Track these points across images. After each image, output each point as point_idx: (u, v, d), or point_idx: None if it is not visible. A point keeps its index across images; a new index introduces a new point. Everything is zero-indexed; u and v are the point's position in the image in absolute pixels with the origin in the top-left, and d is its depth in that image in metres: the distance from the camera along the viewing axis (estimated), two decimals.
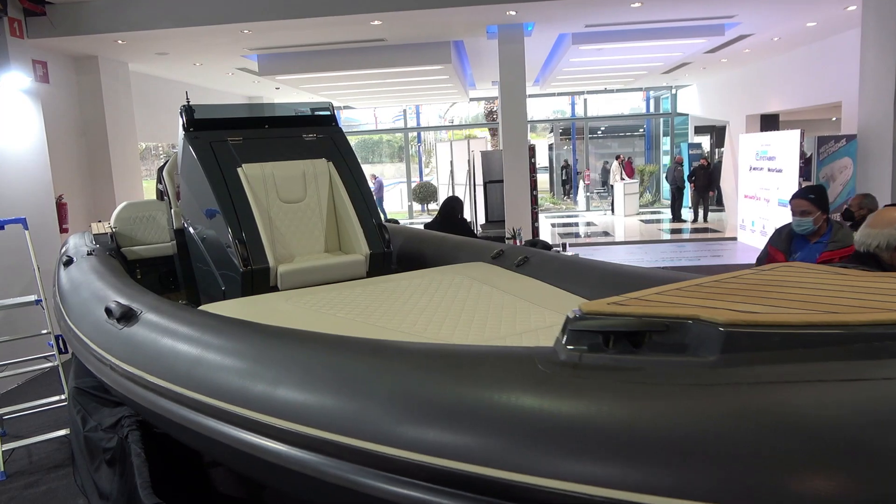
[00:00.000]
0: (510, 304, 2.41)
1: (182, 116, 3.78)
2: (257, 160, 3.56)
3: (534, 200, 9.60)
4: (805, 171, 10.37)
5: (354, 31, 8.38)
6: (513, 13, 7.76)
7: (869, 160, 6.85)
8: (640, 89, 19.72)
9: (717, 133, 18.08)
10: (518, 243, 7.47)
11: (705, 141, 20.24)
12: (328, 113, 4.08)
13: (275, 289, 3.18)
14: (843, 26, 9.52)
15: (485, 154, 12.50)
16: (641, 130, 23.77)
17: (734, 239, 12.78)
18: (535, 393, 1.20)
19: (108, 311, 2.45)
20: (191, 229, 3.74)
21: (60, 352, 4.84)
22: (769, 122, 14.22)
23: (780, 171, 10.19)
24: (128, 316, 2.37)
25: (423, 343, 1.61)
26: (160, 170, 6.70)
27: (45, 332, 4.87)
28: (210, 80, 11.98)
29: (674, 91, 19.26)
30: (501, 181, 11.71)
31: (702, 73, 14.58)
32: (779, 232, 3.54)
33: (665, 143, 21.38)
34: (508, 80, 8.64)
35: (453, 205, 6.38)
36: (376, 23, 7.86)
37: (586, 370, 1.21)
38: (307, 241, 3.58)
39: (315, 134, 3.89)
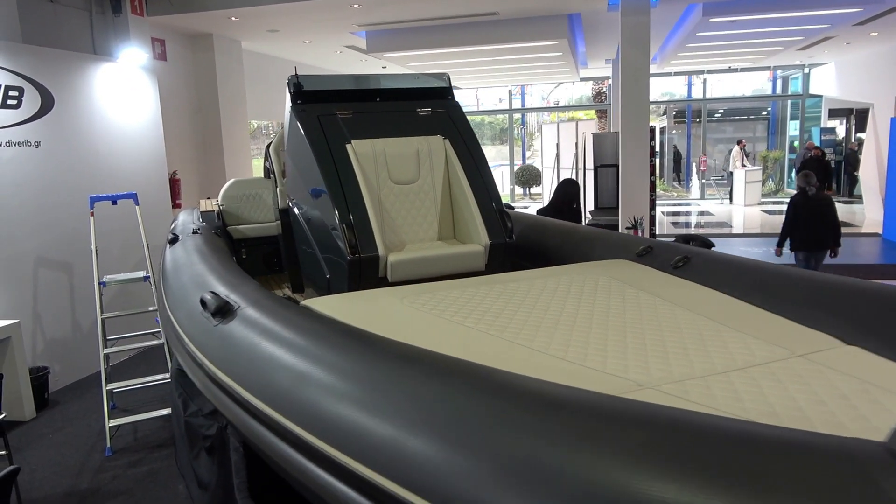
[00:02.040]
0: (689, 322, 1.90)
1: (289, 88, 3.52)
2: (368, 136, 3.24)
3: (651, 187, 8.88)
4: None
5: (466, 4, 7.97)
6: None
7: None
8: (768, 68, 18.13)
9: (858, 116, 16.35)
10: (639, 234, 6.85)
11: (840, 125, 18.41)
12: (444, 85, 3.70)
13: (383, 280, 2.85)
14: None
15: (597, 136, 11.81)
16: (765, 113, 21.97)
17: (877, 235, 11.44)
18: None
19: (203, 303, 2.18)
20: (296, 209, 3.49)
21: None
22: None
23: None
24: (224, 311, 2.09)
25: (633, 403, 1.08)
26: (268, 146, 6.62)
27: (151, 308, 4.83)
28: (319, 59, 11.97)
29: (807, 70, 17.57)
30: (614, 165, 11.02)
31: (844, 49, 13.10)
32: None
33: (792, 128, 19.65)
34: (630, 56, 7.94)
35: (567, 189, 5.86)
36: None
37: None
38: (419, 228, 3.23)
39: (430, 108, 3.53)
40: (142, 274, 4.85)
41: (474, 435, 1.08)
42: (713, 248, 2.71)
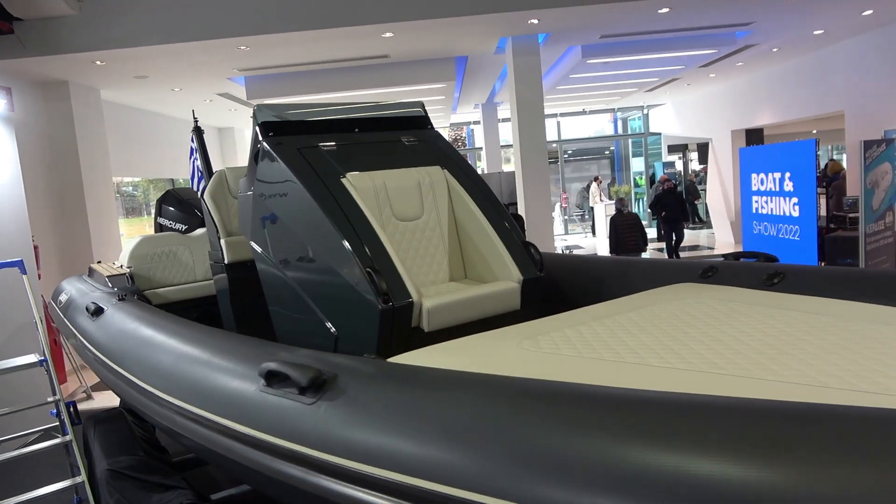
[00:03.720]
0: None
1: (256, 119, 3.03)
2: (360, 168, 2.83)
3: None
4: (824, 183, 10.19)
5: (360, 47, 7.73)
6: (535, 21, 7.26)
7: None
8: (612, 110, 19.66)
9: (700, 150, 18.13)
10: None
11: (678, 159, 20.29)
12: (422, 113, 3.40)
13: (417, 330, 2.43)
14: (849, 33, 9.42)
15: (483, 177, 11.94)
16: (608, 153, 23.74)
17: None
18: None
19: (275, 377, 1.66)
20: (270, 263, 2.95)
21: (73, 423, 3.93)
22: (754, 137, 14.18)
23: (790, 182, 9.97)
24: (318, 383, 1.59)
25: None
26: (160, 201, 5.85)
27: (51, 399, 3.93)
28: (184, 109, 11.08)
29: (646, 111, 19.26)
30: (506, 204, 11.15)
31: (684, 90, 14.48)
32: None
33: (634, 164, 21.36)
34: (525, 96, 8.10)
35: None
36: (388, 35, 7.24)
37: None
38: (429, 269, 2.85)
39: (415, 138, 3.20)
40: (33, 358, 3.95)
41: None
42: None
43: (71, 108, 7.87)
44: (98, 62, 7.13)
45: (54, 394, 4.00)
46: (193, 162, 5.57)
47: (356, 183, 2.74)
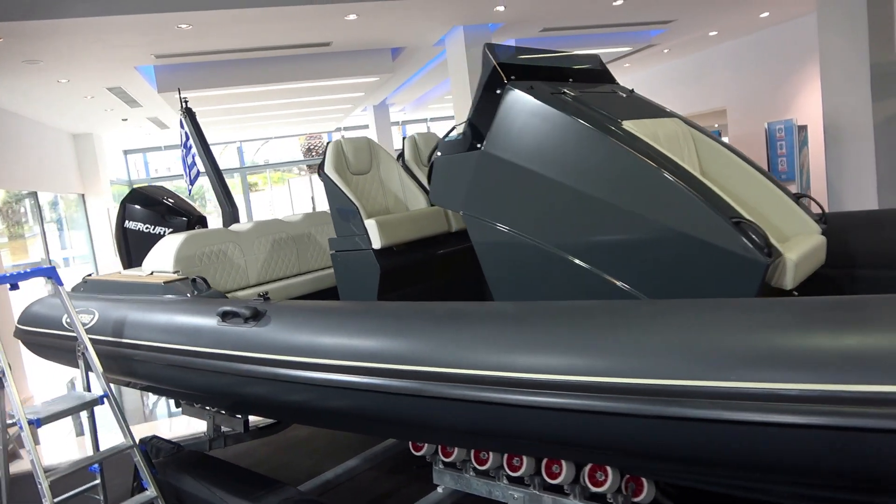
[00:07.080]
0: None
1: (490, 59, 2.46)
2: (622, 117, 2.42)
3: None
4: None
5: (310, 30, 7.01)
6: (500, 9, 7.10)
7: (842, 147, 7.17)
8: None
9: None
10: None
11: None
12: (600, 68, 3.07)
13: (775, 291, 2.09)
14: (739, 34, 10.41)
15: None
16: None
17: None
18: None
19: None
20: (510, 234, 2.41)
21: (154, 474, 3.00)
22: None
23: None
24: None
25: None
26: (126, 202, 4.83)
27: (126, 444, 2.95)
28: (51, 111, 9.33)
29: None
30: None
31: None
32: None
33: None
34: None
35: None
36: (351, 17, 6.64)
37: None
38: None
39: (622, 91, 2.85)
40: (87, 395, 2.93)
41: None
42: None
43: None
44: None
45: (126, 440, 3.01)
46: (188, 150, 4.62)
47: (639, 130, 2.33)
